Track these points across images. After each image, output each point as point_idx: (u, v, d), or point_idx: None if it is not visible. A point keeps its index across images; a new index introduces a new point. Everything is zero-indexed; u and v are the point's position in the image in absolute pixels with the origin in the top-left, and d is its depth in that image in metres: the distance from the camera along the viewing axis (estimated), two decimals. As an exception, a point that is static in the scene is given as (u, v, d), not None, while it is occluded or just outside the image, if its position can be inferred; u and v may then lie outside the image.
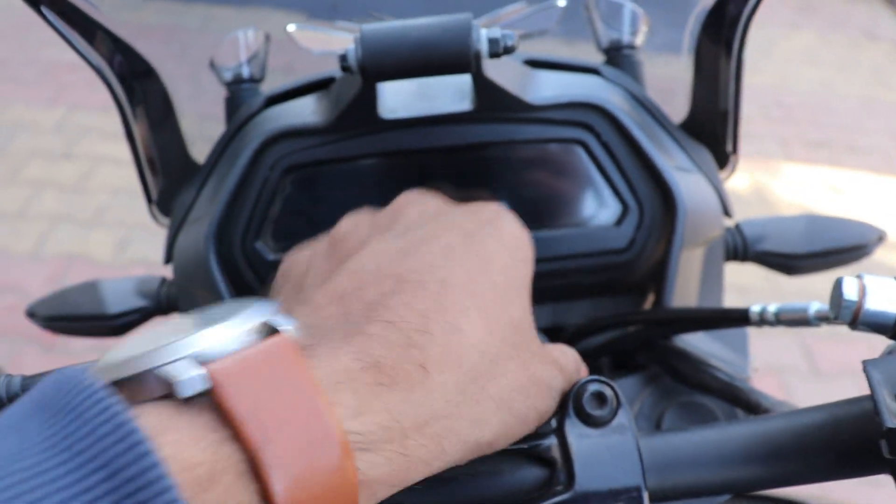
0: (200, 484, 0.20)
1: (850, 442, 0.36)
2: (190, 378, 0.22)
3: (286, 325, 0.26)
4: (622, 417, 0.40)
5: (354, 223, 0.43)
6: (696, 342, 0.61)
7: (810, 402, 0.39)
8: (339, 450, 0.23)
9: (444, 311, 0.33)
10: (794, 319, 0.49)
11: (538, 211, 0.61)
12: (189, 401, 0.22)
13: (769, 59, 3.69)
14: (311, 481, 0.22)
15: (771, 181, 2.84)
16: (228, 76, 0.73)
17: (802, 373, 2.01)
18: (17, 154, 2.74)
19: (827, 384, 1.96)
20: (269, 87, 0.72)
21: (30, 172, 2.66)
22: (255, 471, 0.21)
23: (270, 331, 0.26)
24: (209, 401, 0.22)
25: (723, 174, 0.70)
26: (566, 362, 0.42)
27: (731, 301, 0.66)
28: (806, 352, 2.07)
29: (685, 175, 0.62)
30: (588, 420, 0.39)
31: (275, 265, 0.60)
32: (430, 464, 0.29)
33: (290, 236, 0.61)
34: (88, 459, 0.18)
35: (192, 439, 0.20)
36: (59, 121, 2.91)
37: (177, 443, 0.20)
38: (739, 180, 2.77)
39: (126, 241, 2.35)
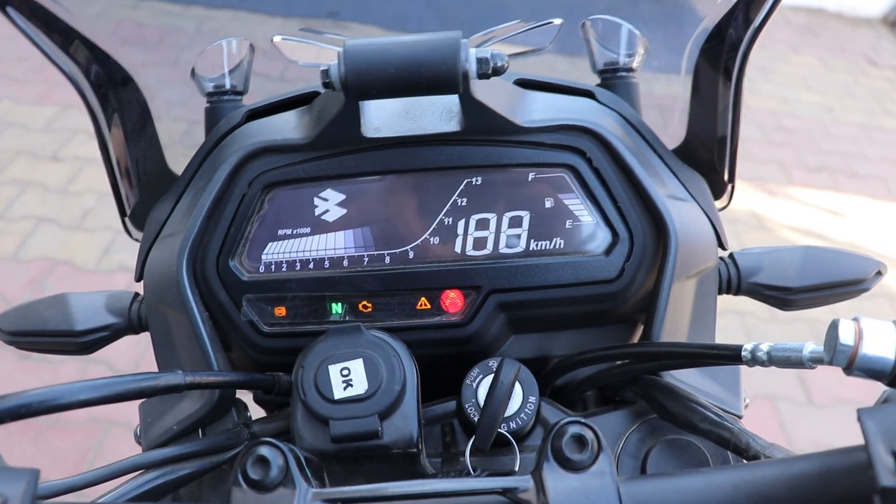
0: None
1: (843, 495, 0.34)
2: None
3: None
4: (603, 462, 0.38)
5: None
6: (686, 377, 0.60)
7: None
8: None
9: None
10: (788, 360, 0.47)
11: (524, 237, 0.59)
12: None
13: (770, 82, 3.72)
14: None
15: (770, 205, 2.85)
16: (210, 87, 0.72)
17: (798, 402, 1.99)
18: (3, 152, 2.73)
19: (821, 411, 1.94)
20: (252, 99, 0.71)
21: (15, 172, 2.64)
22: None
23: None
24: None
25: (718, 204, 0.69)
26: None
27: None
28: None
29: (679, 204, 0.61)
30: (567, 464, 0.38)
31: (250, 286, 0.58)
32: None
33: (268, 256, 0.59)
34: None
35: None
36: (48, 120, 2.90)
37: None
38: (739, 203, 2.77)
39: (111, 247, 2.33)
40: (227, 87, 0.72)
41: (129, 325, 0.68)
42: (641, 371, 0.57)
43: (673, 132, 0.69)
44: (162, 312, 0.61)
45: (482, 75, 0.49)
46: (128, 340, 0.71)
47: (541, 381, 0.59)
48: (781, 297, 0.67)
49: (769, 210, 2.83)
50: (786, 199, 2.91)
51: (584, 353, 0.59)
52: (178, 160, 0.73)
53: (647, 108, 0.70)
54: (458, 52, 0.47)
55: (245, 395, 0.69)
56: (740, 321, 2.20)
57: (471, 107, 0.54)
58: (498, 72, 0.49)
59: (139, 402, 0.60)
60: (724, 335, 0.77)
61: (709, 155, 0.67)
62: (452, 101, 0.58)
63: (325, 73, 0.49)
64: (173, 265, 0.58)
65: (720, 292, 0.68)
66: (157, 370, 0.55)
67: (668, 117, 0.70)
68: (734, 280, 0.67)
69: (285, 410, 0.61)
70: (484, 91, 0.53)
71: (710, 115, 0.65)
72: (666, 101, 0.71)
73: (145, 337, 0.68)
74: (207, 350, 0.57)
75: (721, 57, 0.61)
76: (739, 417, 0.60)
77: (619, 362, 0.59)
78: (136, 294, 0.70)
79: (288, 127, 0.60)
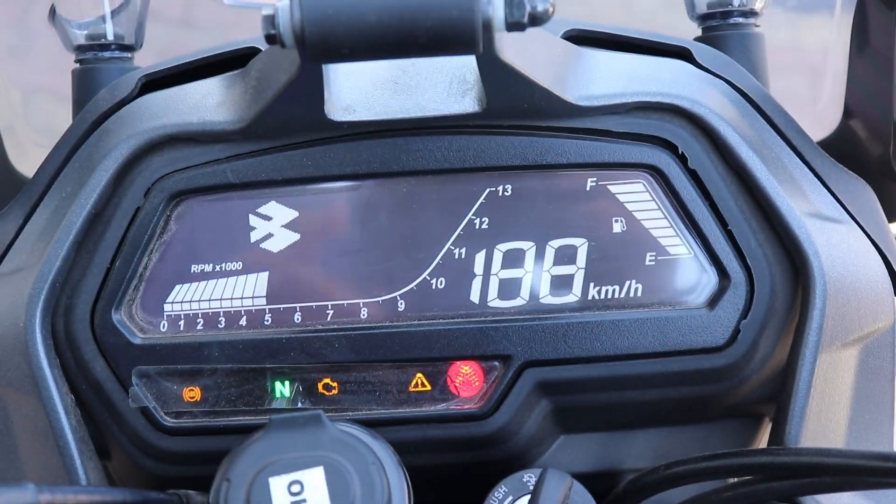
0: None
1: None
2: None
3: None
4: None
5: None
6: None
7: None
8: None
9: None
10: None
11: (579, 280, 0.64)
12: None
13: None
14: None
15: None
16: (81, 37, 0.76)
17: None
18: None
19: None
20: (147, 60, 0.76)
21: None
22: None
23: None
24: None
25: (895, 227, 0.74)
26: None
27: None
28: None
29: (829, 227, 0.65)
30: None
31: (144, 353, 0.63)
32: None
33: (174, 305, 0.64)
34: None
35: None
36: None
37: None
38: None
39: None
40: (109, 37, 0.77)
41: None
42: (770, 495, 0.60)
43: (820, 113, 0.74)
44: None
45: (514, 25, 0.52)
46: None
47: (607, 510, 0.63)
48: None
49: None
50: None
51: (676, 464, 0.61)
52: (26, 152, 0.78)
53: (777, 74, 0.74)
54: None
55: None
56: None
57: (496, 75, 0.58)
58: (539, 19, 0.52)
59: None
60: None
61: (880, 148, 0.71)
62: (467, 66, 0.62)
63: (270, 19, 0.52)
64: (19, 319, 0.62)
65: None
66: None
67: (813, 89, 0.74)
68: None
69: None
70: (517, 50, 0.57)
71: (883, 80, 0.69)
72: (809, 63, 0.76)
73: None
74: (72, 456, 0.61)
75: None
76: None
77: (732, 481, 0.62)
78: None
79: (209, 103, 0.64)
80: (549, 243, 0.64)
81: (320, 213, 0.65)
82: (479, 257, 0.64)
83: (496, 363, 0.64)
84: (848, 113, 0.74)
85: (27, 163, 0.77)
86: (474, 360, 0.64)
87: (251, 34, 0.69)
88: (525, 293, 0.65)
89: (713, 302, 0.64)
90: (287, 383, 0.64)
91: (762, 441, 0.69)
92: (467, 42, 0.52)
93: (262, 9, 0.53)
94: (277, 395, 0.64)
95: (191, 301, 0.64)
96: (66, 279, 0.63)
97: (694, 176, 0.63)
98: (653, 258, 0.64)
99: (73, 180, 0.66)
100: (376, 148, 0.63)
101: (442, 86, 0.63)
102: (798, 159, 0.68)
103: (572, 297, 0.64)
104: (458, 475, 0.67)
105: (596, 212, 0.64)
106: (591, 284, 0.64)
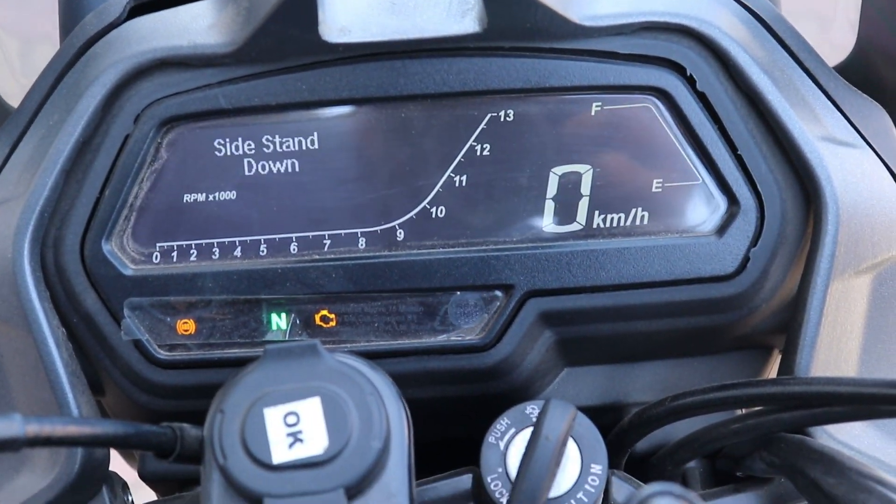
0: None
1: None
2: None
3: None
4: None
5: None
6: (857, 439, 0.63)
7: None
8: None
9: None
10: None
11: (583, 208, 0.64)
12: None
13: None
14: None
15: None
16: None
17: None
18: None
19: None
20: None
21: None
22: None
23: None
24: None
25: None
26: None
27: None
28: None
29: (842, 151, 0.64)
30: None
31: (136, 285, 0.63)
32: None
33: (166, 236, 0.64)
34: None
35: None
36: None
37: None
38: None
39: None
40: None
41: None
42: (779, 426, 0.60)
43: (835, 38, 0.73)
44: None
45: None
46: None
47: (612, 443, 0.62)
48: None
49: None
50: None
51: (683, 396, 0.62)
52: (13, 84, 0.77)
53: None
54: None
55: (126, 469, 0.74)
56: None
57: None
58: None
59: None
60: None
61: (895, 72, 0.71)
62: None
63: None
64: (6, 251, 0.62)
65: None
66: None
67: (827, 13, 0.73)
68: None
69: (193, 491, 0.65)
70: None
71: None
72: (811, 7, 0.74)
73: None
74: (64, 390, 0.61)
75: None
76: None
77: (740, 412, 0.63)
78: None
79: (199, 26, 0.63)
80: (553, 170, 0.64)
81: (316, 141, 0.64)
82: (482, 185, 0.64)
83: (498, 293, 0.64)
84: (862, 37, 0.72)
85: (16, 97, 0.76)
86: (476, 289, 0.64)
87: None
88: (528, 222, 0.64)
89: (722, 229, 0.63)
90: (283, 314, 0.64)
91: (771, 373, 0.69)
92: None
93: None
94: (273, 327, 0.64)
95: (183, 231, 0.64)
96: (54, 209, 0.63)
97: (703, 99, 0.63)
98: (660, 185, 0.64)
99: (61, 107, 0.66)
100: (373, 71, 0.62)
101: (441, 6, 0.62)
102: (811, 82, 0.67)
103: (576, 225, 0.64)
104: (459, 408, 0.67)
105: (601, 137, 0.63)
106: (596, 212, 0.64)
